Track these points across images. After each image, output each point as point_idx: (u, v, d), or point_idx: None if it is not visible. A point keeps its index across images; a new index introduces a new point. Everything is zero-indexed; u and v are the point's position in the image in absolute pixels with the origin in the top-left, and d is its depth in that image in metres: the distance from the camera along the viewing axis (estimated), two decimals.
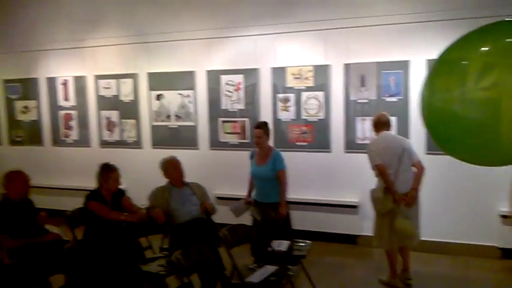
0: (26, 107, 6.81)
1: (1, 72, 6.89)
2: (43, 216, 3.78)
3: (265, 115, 5.49)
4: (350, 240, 5.27)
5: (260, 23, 5.42)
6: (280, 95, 5.44)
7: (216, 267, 3.21)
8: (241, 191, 5.61)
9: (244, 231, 3.66)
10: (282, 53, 5.40)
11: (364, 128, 5.12)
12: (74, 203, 4.45)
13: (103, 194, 3.94)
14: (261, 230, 3.89)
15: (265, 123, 4.43)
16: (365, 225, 4.94)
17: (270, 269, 3.36)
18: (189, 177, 4.33)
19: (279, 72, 5.41)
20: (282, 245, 3.79)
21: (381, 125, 4.17)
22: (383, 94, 5.01)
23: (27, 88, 6.77)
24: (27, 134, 6.85)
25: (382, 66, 4.99)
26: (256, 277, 3.21)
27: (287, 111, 5.44)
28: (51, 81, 6.60)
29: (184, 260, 2.94)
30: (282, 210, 4.19)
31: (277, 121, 5.47)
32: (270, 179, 4.28)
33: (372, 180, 4.12)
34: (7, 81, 6.88)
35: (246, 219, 4.14)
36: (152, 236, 4.23)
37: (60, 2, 6.45)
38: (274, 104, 5.46)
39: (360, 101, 5.13)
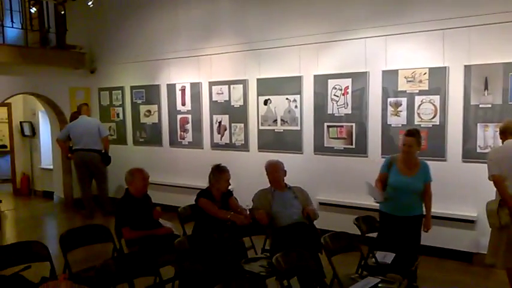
0: (148, 111, 7.49)
1: (129, 79, 7.69)
2: (158, 211, 4.11)
3: (374, 120, 5.29)
4: (465, 257, 4.79)
5: (370, 25, 5.24)
6: (391, 99, 5.18)
7: (316, 274, 3.15)
8: (345, 198, 5.49)
9: (347, 239, 3.55)
10: (394, 55, 5.15)
11: (486, 136, 4.63)
12: (186, 200, 4.77)
13: (213, 193, 4.15)
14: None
15: (417, 131, 3.92)
16: (483, 242, 4.45)
17: (372, 280, 3.19)
18: (292, 181, 4.35)
19: (390, 76, 5.16)
20: (386, 256, 3.58)
21: (508, 132, 3.76)
22: (510, 99, 4.48)
23: (150, 94, 7.45)
24: (149, 135, 7.53)
25: (509, 67, 4.47)
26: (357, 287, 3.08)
27: (398, 116, 5.15)
28: (170, 87, 7.16)
29: (284, 263, 2.94)
30: (429, 225, 3.96)
31: (386, 126, 5.22)
32: (418, 191, 3.88)
33: (493, 194, 3.71)
34: (134, 87, 7.64)
35: (349, 227, 3.99)
36: (256, 237, 4.32)
37: (180, 15, 6.98)
38: (384, 109, 5.22)
39: (482, 105, 4.65)
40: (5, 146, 9.88)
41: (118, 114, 7.89)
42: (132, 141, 7.74)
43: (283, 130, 6.02)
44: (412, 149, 3.85)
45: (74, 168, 7.54)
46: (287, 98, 5.95)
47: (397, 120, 5.15)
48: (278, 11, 5.97)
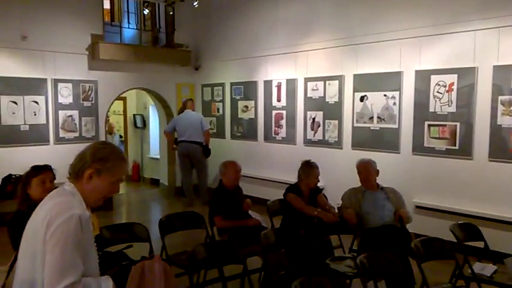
0: (246, 107, 7.75)
1: (230, 76, 8.02)
2: (248, 203, 4.26)
3: (482, 120, 4.85)
4: None
5: (481, 16, 4.80)
6: (503, 97, 4.70)
7: (405, 278, 3.02)
8: (444, 202, 5.14)
9: (441, 246, 3.32)
10: (508, 48, 4.66)
11: None
12: (276, 194, 4.87)
13: (302, 188, 4.18)
14: None
15: None
16: None
17: None
18: (386, 182, 4.20)
19: (503, 71, 4.68)
20: (485, 268, 3.29)
21: None
22: None
23: (248, 90, 7.69)
24: (245, 130, 7.78)
25: None
26: None
27: (510, 116, 4.66)
28: (267, 83, 7.32)
29: (370, 264, 2.86)
30: None
31: (495, 127, 4.75)
32: None
33: None
34: (233, 83, 7.95)
35: (446, 234, 3.73)
36: (344, 236, 4.26)
37: (280, 12, 7.07)
38: (494, 108, 4.75)
39: None
40: (120, 136, 10.98)
41: (218, 109, 8.29)
42: (230, 135, 8.07)
43: (380, 128, 5.80)
44: None
45: (177, 159, 8.10)
46: (385, 95, 5.71)
47: (510, 121, 4.66)
48: (379, 4, 5.75)
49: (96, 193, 1.87)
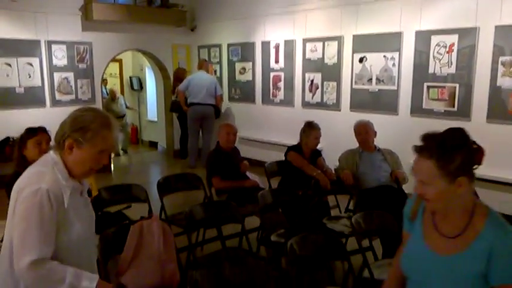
0: (243, 68, 7.64)
1: (226, 37, 7.86)
2: (246, 164, 4.28)
3: (481, 81, 4.81)
4: None
5: None
6: (505, 58, 4.63)
7: (398, 237, 3.06)
8: None
9: None
10: (511, 8, 4.55)
11: None
12: (274, 156, 4.90)
13: (303, 149, 4.21)
14: None
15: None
16: None
17: None
18: (384, 144, 4.21)
19: (505, 32, 4.60)
20: None
21: None
22: None
23: (245, 51, 7.56)
24: (243, 92, 7.71)
25: None
26: None
27: (511, 77, 4.62)
28: (265, 45, 7.19)
29: (365, 223, 2.91)
30: None
31: (495, 88, 4.72)
32: None
33: None
34: (230, 45, 7.81)
35: None
36: (341, 196, 4.31)
37: None
38: (494, 69, 4.70)
39: None
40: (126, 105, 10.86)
41: (215, 72, 8.17)
42: (227, 97, 8.00)
43: (378, 90, 5.76)
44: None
45: (177, 122, 8.06)
46: (384, 56, 5.64)
47: (510, 82, 4.62)
48: None
49: (79, 165, 1.70)
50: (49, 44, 6.70)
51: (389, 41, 5.55)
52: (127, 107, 9.35)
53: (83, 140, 1.67)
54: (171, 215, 3.73)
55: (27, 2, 6.41)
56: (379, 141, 4.15)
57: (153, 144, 9.68)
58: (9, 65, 6.37)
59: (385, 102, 5.68)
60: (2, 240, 1.78)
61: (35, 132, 2.96)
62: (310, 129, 4.21)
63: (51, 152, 1.75)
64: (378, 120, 4.43)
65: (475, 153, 1.48)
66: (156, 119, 9.30)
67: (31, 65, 6.56)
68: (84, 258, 1.77)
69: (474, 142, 1.52)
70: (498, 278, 1.42)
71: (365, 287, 2.58)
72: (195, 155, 7.60)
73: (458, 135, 1.49)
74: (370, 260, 2.84)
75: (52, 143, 3.02)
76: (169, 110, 8.18)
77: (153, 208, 3.59)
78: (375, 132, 4.11)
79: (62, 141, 1.70)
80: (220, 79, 8.07)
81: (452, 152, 1.44)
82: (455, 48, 4.98)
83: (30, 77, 6.56)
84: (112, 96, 8.82)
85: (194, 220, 3.01)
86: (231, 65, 7.85)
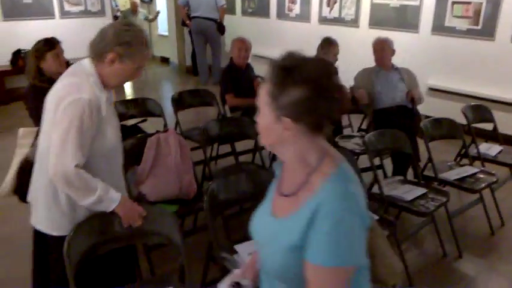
0: None
1: None
2: (259, 82, 4.23)
3: None
4: None
5: None
6: None
7: (409, 156, 3.11)
8: (459, 85, 5.08)
9: (450, 126, 3.36)
10: None
11: None
12: None
13: None
14: None
15: None
16: None
17: (469, 170, 3.08)
18: (402, 62, 4.08)
19: None
20: (491, 149, 3.36)
21: None
22: None
23: None
24: (257, 5, 7.39)
25: None
26: (452, 175, 3.01)
27: None
28: None
29: (377, 142, 2.93)
30: None
31: None
32: None
33: None
34: None
35: (459, 116, 3.73)
36: (354, 115, 4.31)
37: None
38: None
39: None
40: (146, 18, 10.50)
41: None
42: (240, 11, 7.69)
43: (400, 5, 5.46)
44: None
45: (186, 36, 7.85)
46: None
47: None
48: None
49: (116, 77, 1.77)
50: None
51: None
52: (149, 19, 8.85)
53: (126, 55, 1.72)
54: (185, 130, 3.79)
55: None
56: (397, 60, 4.03)
57: (165, 60, 9.55)
58: None
59: (406, 19, 5.42)
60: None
61: (55, 44, 2.92)
62: (329, 45, 4.06)
63: (85, 62, 1.77)
64: (397, 37, 4.25)
65: (330, 102, 1.07)
66: (167, 33, 9.07)
67: None
68: (114, 165, 1.87)
69: (342, 89, 1.16)
70: (307, 252, 1.06)
71: (374, 202, 2.67)
72: (206, 72, 7.50)
73: (317, 69, 1.07)
74: (380, 178, 2.91)
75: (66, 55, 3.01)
76: (180, 24, 7.93)
77: (168, 123, 3.65)
78: (393, 50, 3.96)
79: (102, 53, 1.72)
80: None
81: (293, 83, 1.06)
82: None
83: None
84: (133, 9, 8.30)
85: (209, 135, 3.06)
86: None
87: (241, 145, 3.52)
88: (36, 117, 2.43)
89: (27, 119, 2.85)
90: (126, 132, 3.22)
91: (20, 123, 2.48)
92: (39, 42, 2.97)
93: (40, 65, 2.88)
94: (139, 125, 3.44)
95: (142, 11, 8.56)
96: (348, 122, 4.31)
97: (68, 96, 1.65)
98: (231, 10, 7.80)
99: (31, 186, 1.86)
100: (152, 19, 9.01)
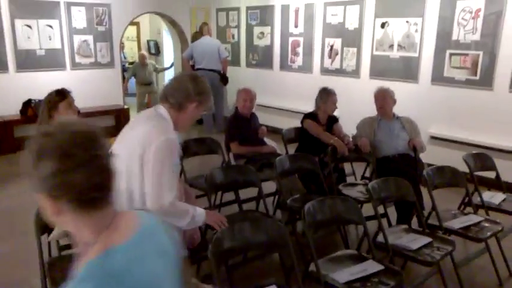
0: (261, 33, 7.55)
1: (245, 0, 7.73)
2: (263, 130, 4.32)
3: (507, 49, 4.68)
4: None
5: None
6: None
7: (413, 204, 3.11)
8: (459, 133, 5.14)
9: (452, 174, 3.38)
10: None
11: None
12: (292, 123, 4.90)
13: (319, 115, 4.20)
14: None
15: None
16: None
17: (474, 218, 3.06)
18: (403, 112, 4.18)
19: None
20: (495, 197, 3.36)
21: None
22: None
23: (264, 15, 7.44)
24: (261, 57, 7.65)
25: None
26: (456, 223, 2.99)
27: None
28: (284, 8, 7.06)
29: (381, 190, 2.95)
30: None
31: None
32: None
33: None
34: (249, 7, 7.69)
35: (460, 165, 3.76)
36: (357, 163, 4.34)
37: None
38: None
39: None
40: (155, 69, 10.85)
41: (233, 36, 8.10)
42: (245, 62, 7.95)
43: (399, 56, 5.65)
44: None
45: None
46: (407, 21, 5.50)
47: None
48: None
49: (189, 121, 2.07)
50: (68, 5, 6.70)
51: (413, 6, 5.40)
52: (158, 70, 9.00)
53: (202, 101, 2.04)
54: (190, 177, 3.83)
55: None
56: (398, 110, 4.13)
57: None
58: (30, 27, 6.41)
59: (405, 69, 5.59)
60: None
61: (66, 95, 3.04)
62: (328, 95, 4.18)
63: (161, 109, 2.03)
64: (397, 87, 4.38)
65: (88, 174, 0.95)
66: None
67: (51, 27, 6.60)
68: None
69: (100, 159, 0.99)
70: None
71: (379, 251, 2.65)
72: (210, 120, 7.66)
73: (69, 140, 0.95)
74: (384, 226, 2.90)
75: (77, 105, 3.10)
76: None
77: None
78: (394, 100, 4.08)
79: (184, 103, 2.01)
80: (238, 44, 8.01)
81: (42, 157, 0.94)
82: (481, 13, 4.83)
83: (50, 39, 6.61)
84: (141, 61, 8.39)
85: (214, 183, 3.09)
86: (250, 29, 7.75)
87: (245, 193, 3.53)
88: None
89: None
90: None
91: None
92: (51, 93, 3.09)
93: (52, 115, 2.98)
94: None
95: (151, 62, 8.81)
96: (351, 170, 4.33)
97: (158, 138, 1.89)
98: (235, 62, 8.06)
99: None
100: (161, 70, 9.26)
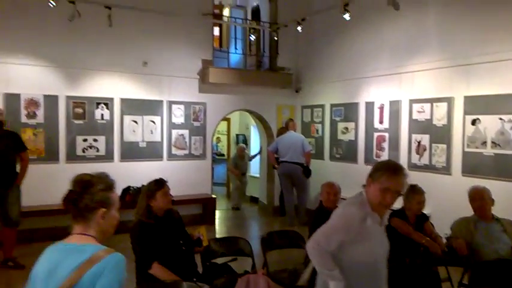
0: (346, 128, 7.70)
1: (330, 98, 8.06)
2: None
3: None
4: None
5: None
6: None
7: None
8: None
9: None
10: None
11: None
12: None
13: (407, 213, 4.03)
14: None
15: None
16: None
17: None
18: (501, 213, 3.87)
19: None
20: None
21: None
22: None
23: (348, 111, 7.65)
24: (345, 152, 7.71)
25: None
26: None
27: None
28: (369, 105, 7.21)
29: None
30: None
31: None
32: None
33: None
34: (334, 105, 7.97)
35: None
36: (452, 268, 4.00)
37: (384, 33, 6.96)
38: None
39: None
40: (223, 155, 11.53)
41: (317, 131, 8.35)
42: (328, 156, 8.05)
43: (494, 154, 5.36)
44: None
45: (278, 178, 8.29)
46: (500, 118, 5.29)
47: None
48: (492, 22, 5.39)
49: (374, 198, 2.28)
50: (170, 104, 7.51)
51: (506, 103, 5.22)
52: (250, 158, 9.79)
53: (374, 177, 2.31)
54: (272, 271, 3.78)
55: (155, 67, 7.35)
56: (497, 211, 3.83)
57: (254, 200, 9.96)
58: (136, 122, 7.23)
59: (501, 167, 5.26)
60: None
61: (162, 184, 3.30)
62: (414, 193, 4.01)
63: (363, 193, 2.38)
64: (494, 186, 4.10)
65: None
66: (258, 175, 9.63)
67: (154, 122, 7.38)
68: (365, 278, 2.28)
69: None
70: None
71: None
72: (293, 214, 7.69)
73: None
74: None
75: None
76: (271, 167, 8.45)
77: (256, 263, 3.69)
78: (493, 199, 3.82)
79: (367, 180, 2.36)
80: (322, 138, 8.21)
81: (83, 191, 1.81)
82: None
83: (152, 133, 7.36)
84: (239, 154, 9.34)
85: (298, 279, 3.02)
86: (334, 124, 7.96)
87: None
88: (136, 250, 2.62)
89: (128, 250, 3.08)
90: (217, 271, 3.32)
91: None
92: (150, 183, 3.37)
93: (150, 203, 3.22)
94: (229, 263, 3.53)
95: (247, 153, 9.48)
96: (447, 275, 3.98)
97: (347, 206, 2.37)
98: (319, 155, 8.20)
99: None
100: (252, 157, 9.90)
